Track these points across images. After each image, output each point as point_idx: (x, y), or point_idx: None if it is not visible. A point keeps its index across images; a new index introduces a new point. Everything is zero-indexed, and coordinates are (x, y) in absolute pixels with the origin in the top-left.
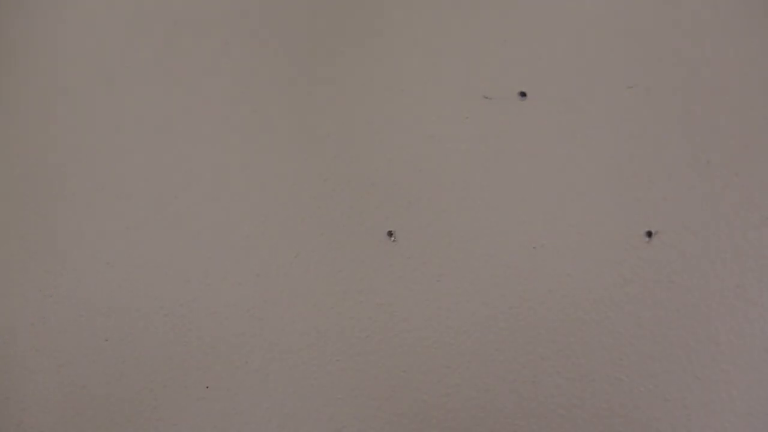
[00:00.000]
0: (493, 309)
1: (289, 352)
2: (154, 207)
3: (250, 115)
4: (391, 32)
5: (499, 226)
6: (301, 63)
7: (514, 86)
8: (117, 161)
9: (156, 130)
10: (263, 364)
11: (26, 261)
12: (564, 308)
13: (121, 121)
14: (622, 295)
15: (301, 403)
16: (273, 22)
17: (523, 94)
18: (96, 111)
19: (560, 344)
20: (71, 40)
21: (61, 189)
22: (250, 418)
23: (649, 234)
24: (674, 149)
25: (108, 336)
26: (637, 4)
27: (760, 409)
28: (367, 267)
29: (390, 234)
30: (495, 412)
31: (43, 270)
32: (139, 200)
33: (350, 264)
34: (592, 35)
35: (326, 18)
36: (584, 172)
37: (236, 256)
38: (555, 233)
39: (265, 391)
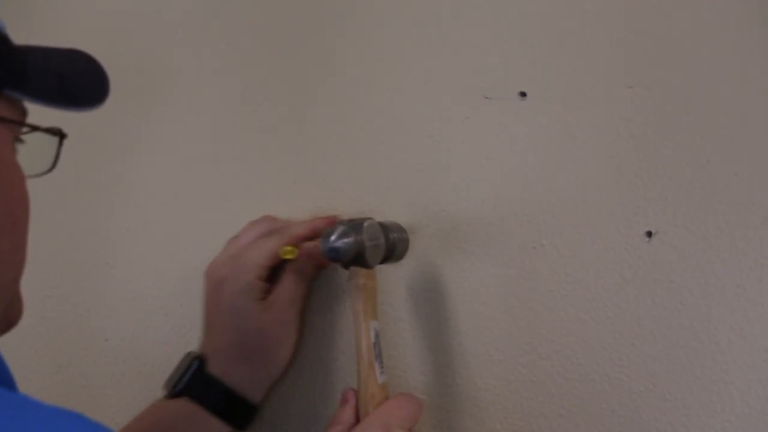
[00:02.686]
0: (493, 309)
1: None
2: (154, 207)
3: (249, 114)
4: (391, 31)
5: (498, 226)
6: (300, 63)
7: (514, 86)
8: (117, 161)
9: (156, 129)
10: None
11: (26, 261)
12: (564, 308)
13: (120, 120)
14: (622, 295)
15: (302, 404)
16: (272, 22)
17: (523, 94)
18: (94, 111)
19: (560, 344)
20: (70, 40)
21: (61, 189)
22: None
23: (649, 234)
24: (674, 149)
25: (108, 336)
26: (637, 4)
27: (760, 409)
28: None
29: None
30: (495, 412)
31: (43, 270)
32: (139, 200)
33: None
34: (592, 35)
35: (325, 17)
36: (584, 172)
37: None
38: (555, 233)
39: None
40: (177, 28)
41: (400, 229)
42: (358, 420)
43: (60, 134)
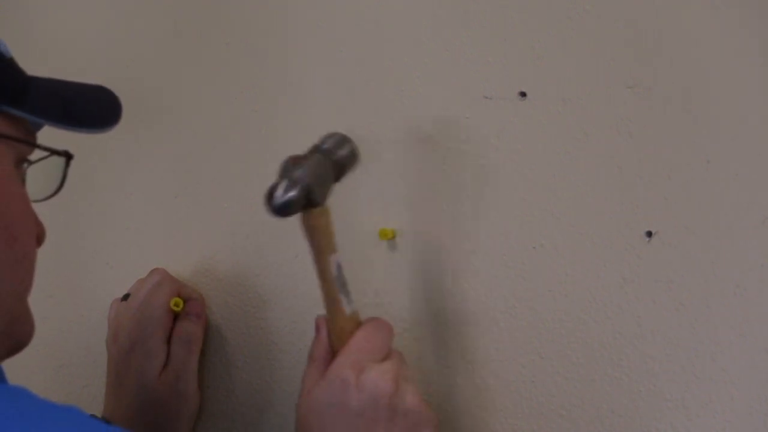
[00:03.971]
0: (493, 309)
1: (289, 352)
2: (154, 207)
3: (250, 114)
4: (391, 31)
5: (499, 226)
6: (299, 62)
7: (514, 86)
8: (117, 161)
9: (156, 129)
10: (264, 364)
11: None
12: (564, 308)
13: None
14: (622, 295)
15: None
16: (275, 20)
17: (523, 94)
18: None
19: (560, 344)
20: (70, 40)
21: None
22: (249, 418)
23: (649, 234)
24: (674, 149)
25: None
26: (637, 4)
27: (760, 408)
28: (367, 267)
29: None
30: (495, 412)
31: (43, 270)
32: (139, 200)
33: (350, 264)
34: (592, 35)
35: (326, 17)
36: (584, 172)
37: (236, 256)
38: (555, 233)
39: (265, 390)
40: (178, 27)
41: (342, 142)
42: (332, 352)
43: (67, 156)
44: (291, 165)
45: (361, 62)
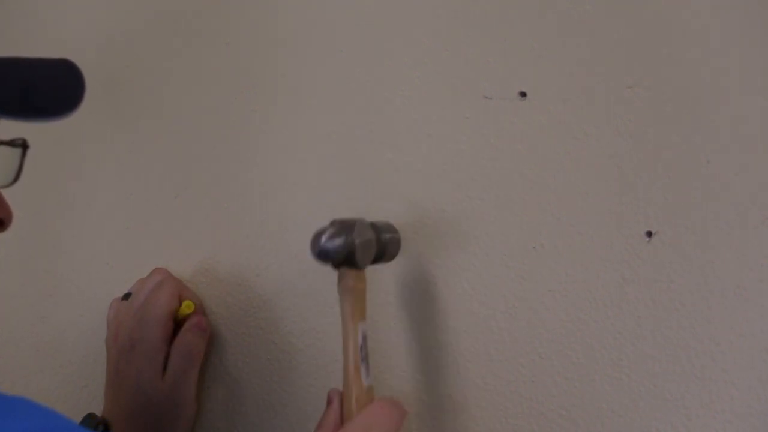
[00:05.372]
0: (493, 309)
1: (289, 352)
2: (154, 207)
3: (249, 114)
4: (391, 31)
5: (499, 226)
6: (298, 62)
7: (514, 86)
8: (116, 161)
9: (156, 129)
10: (264, 364)
11: (26, 261)
12: (564, 308)
13: (120, 120)
14: (622, 295)
15: (302, 404)
16: (275, 20)
17: (523, 94)
18: (94, 110)
19: (560, 344)
20: (68, 39)
21: (61, 189)
22: (250, 417)
23: (649, 234)
24: (674, 149)
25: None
26: (637, 4)
27: (760, 409)
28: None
29: None
30: (495, 412)
31: (43, 270)
32: (139, 200)
33: None
34: (592, 35)
35: (327, 17)
36: (584, 172)
37: (236, 256)
38: (555, 233)
39: (265, 390)
40: (176, 26)
41: (392, 229)
42: (343, 423)
43: (23, 146)
44: (341, 221)
45: (361, 62)
